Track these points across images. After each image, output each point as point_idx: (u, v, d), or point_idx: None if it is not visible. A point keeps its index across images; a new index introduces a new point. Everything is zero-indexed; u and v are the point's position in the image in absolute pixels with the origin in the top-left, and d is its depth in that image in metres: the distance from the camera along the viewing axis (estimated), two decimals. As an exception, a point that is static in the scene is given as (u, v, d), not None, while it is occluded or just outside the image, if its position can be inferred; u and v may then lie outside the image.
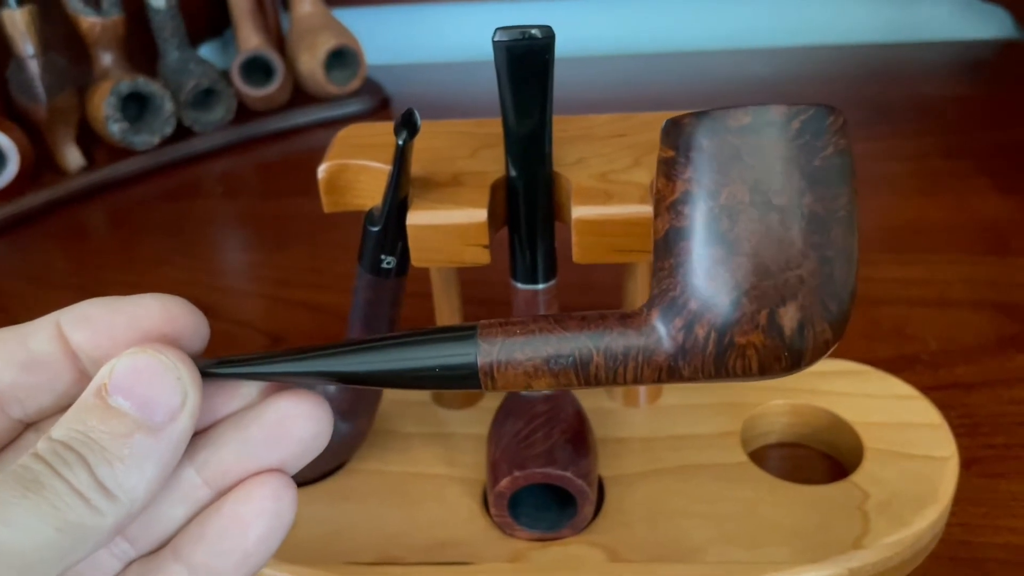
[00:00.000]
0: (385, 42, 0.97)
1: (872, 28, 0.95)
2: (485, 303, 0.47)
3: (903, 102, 0.78)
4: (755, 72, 0.88)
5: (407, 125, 0.30)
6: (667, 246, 0.24)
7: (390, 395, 0.41)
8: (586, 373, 0.24)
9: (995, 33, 0.94)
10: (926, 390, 0.41)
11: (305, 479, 0.37)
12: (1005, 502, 0.38)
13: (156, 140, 0.75)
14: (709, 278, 0.23)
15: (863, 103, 0.78)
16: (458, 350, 0.24)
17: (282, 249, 0.63)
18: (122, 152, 0.75)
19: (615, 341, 0.24)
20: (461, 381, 0.24)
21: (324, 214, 0.37)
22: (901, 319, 0.49)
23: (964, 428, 0.41)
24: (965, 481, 0.37)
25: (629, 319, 0.24)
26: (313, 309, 0.55)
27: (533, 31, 0.29)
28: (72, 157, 0.72)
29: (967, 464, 0.39)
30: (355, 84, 0.84)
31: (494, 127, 0.34)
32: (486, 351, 0.24)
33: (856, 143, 0.75)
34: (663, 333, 0.23)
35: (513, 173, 0.32)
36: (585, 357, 0.24)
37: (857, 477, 0.36)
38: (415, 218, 0.31)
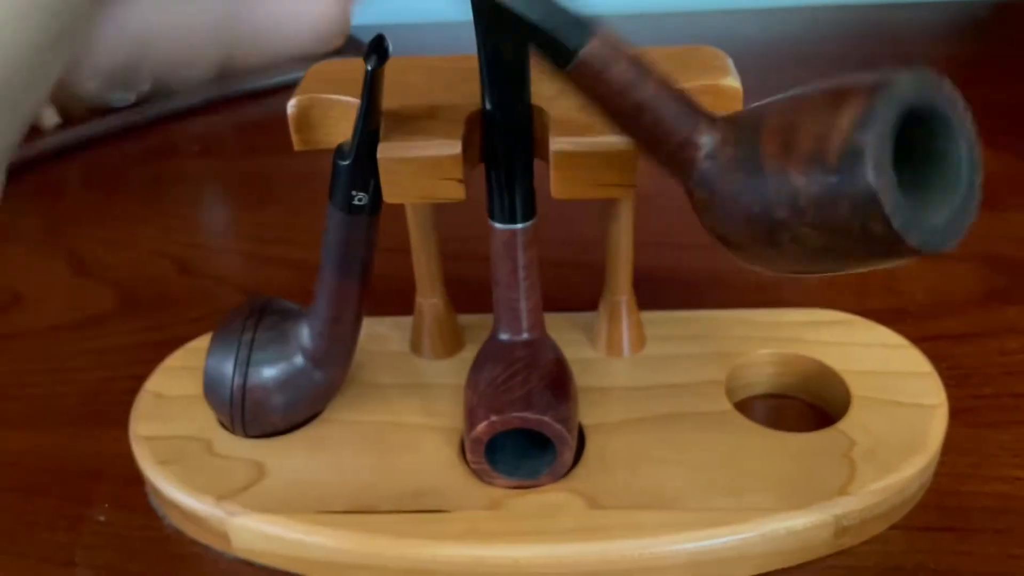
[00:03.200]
0: (369, 0, 0.95)
1: (863, -10, 0.94)
2: (469, 258, 0.46)
3: (892, 61, 0.77)
4: (746, 33, 0.87)
5: (377, 51, 0.29)
6: None
7: (366, 345, 0.40)
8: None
9: (988, -5, 0.93)
10: (914, 342, 0.40)
11: (277, 429, 0.36)
12: (994, 452, 0.37)
13: (133, 97, 0.74)
14: None
15: (855, 63, 0.77)
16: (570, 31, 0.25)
17: (260, 207, 0.62)
18: (98, 109, 0.73)
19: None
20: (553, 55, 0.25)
21: (303, 172, 0.36)
22: (889, 273, 0.49)
23: (953, 379, 0.40)
24: (953, 431, 0.37)
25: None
26: (291, 265, 0.54)
27: None
28: (46, 114, 0.71)
29: (956, 414, 0.38)
30: (339, 42, 0.82)
31: (474, 62, 0.32)
32: (593, 48, 0.25)
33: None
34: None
35: (488, 106, 0.31)
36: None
37: (844, 424, 0.35)
38: (386, 150, 0.30)
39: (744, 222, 0.24)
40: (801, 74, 0.81)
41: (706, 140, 0.24)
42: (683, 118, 0.25)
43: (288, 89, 0.35)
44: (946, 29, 0.85)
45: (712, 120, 0.25)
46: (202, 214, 0.63)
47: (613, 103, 0.25)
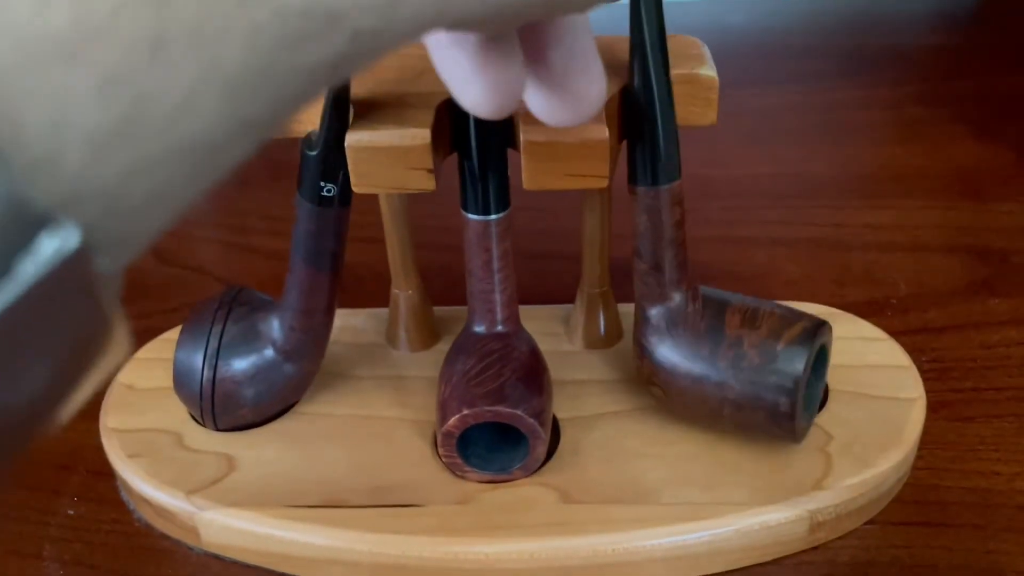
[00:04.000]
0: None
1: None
2: (445, 249, 0.46)
3: (881, 51, 0.77)
4: (731, 22, 0.86)
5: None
6: None
7: (340, 337, 0.39)
8: None
9: (977, -16, 0.93)
10: (896, 334, 0.40)
11: (248, 422, 0.36)
12: (973, 446, 0.37)
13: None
14: None
15: (840, 52, 0.77)
16: (675, 163, 0.32)
17: (239, 195, 0.61)
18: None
19: None
20: (652, 171, 0.31)
21: (285, 158, 0.35)
22: (872, 264, 0.48)
23: (933, 372, 0.40)
24: (933, 425, 0.36)
25: None
26: (269, 255, 0.54)
27: None
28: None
29: (935, 408, 0.37)
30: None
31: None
32: (677, 184, 0.32)
33: (832, 91, 0.74)
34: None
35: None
36: None
37: (820, 418, 0.35)
38: (354, 139, 0.30)
39: (688, 356, 0.32)
40: (787, 64, 0.80)
41: (684, 293, 0.33)
42: (681, 267, 0.33)
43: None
44: (934, 18, 0.85)
45: (691, 281, 0.33)
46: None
47: (655, 227, 0.32)
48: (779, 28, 0.85)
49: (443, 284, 0.42)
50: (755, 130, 0.63)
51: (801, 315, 0.33)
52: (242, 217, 0.58)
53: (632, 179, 0.32)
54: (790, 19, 0.87)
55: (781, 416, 0.31)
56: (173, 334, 0.42)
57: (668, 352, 0.33)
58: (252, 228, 0.57)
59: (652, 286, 0.33)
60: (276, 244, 0.55)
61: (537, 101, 0.21)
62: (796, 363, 0.31)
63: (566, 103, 0.21)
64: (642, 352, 0.33)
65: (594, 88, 0.21)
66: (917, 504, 0.34)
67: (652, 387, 0.34)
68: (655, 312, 0.33)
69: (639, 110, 0.31)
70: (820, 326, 0.32)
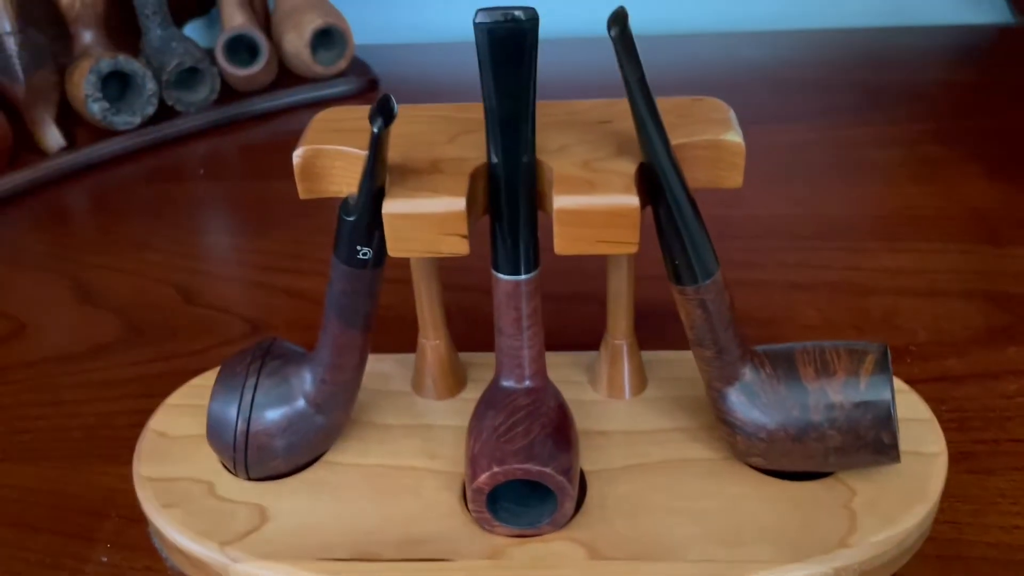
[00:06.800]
0: (373, 22, 0.96)
1: (866, 12, 0.94)
2: (467, 290, 0.46)
3: (896, 87, 0.77)
4: (746, 56, 0.87)
5: (383, 112, 0.29)
6: None
7: (368, 384, 0.40)
8: None
9: (990, 19, 0.93)
10: (915, 382, 0.40)
11: (279, 472, 0.37)
12: (994, 499, 0.37)
13: (138, 120, 0.74)
14: None
15: (856, 88, 0.77)
16: (710, 257, 0.32)
17: (264, 233, 0.62)
18: (103, 132, 0.73)
19: None
20: (687, 272, 0.32)
21: (309, 198, 0.36)
22: (890, 309, 0.49)
23: (954, 422, 0.41)
24: (954, 477, 0.37)
25: None
26: (294, 295, 0.54)
27: (516, 13, 0.28)
28: (52, 137, 0.71)
29: (956, 459, 0.38)
30: (342, 65, 0.82)
31: (476, 112, 0.32)
32: (719, 275, 0.33)
33: (847, 129, 0.74)
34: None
35: (494, 160, 0.31)
36: None
37: (844, 474, 0.35)
38: (391, 207, 0.30)
39: (781, 420, 0.33)
40: (801, 99, 0.81)
41: (751, 363, 0.34)
42: (741, 342, 0.33)
43: (292, 112, 0.35)
44: (947, 54, 0.85)
45: (752, 348, 0.34)
46: (206, 240, 0.63)
47: (712, 317, 0.33)
48: (793, 62, 0.86)
49: (469, 327, 0.43)
50: (770, 168, 0.64)
51: (863, 347, 0.34)
52: (266, 257, 0.59)
53: (676, 280, 0.33)
54: (804, 53, 0.88)
55: (885, 447, 0.33)
56: (201, 379, 0.42)
57: (761, 424, 0.33)
58: (276, 268, 0.57)
59: (721, 368, 0.34)
60: (301, 283, 0.55)
61: None
62: (883, 393, 0.33)
63: None
64: (733, 431, 0.34)
65: None
66: (939, 559, 0.35)
67: (751, 458, 0.35)
68: (733, 391, 0.34)
69: (668, 223, 0.31)
70: (885, 351, 0.34)
